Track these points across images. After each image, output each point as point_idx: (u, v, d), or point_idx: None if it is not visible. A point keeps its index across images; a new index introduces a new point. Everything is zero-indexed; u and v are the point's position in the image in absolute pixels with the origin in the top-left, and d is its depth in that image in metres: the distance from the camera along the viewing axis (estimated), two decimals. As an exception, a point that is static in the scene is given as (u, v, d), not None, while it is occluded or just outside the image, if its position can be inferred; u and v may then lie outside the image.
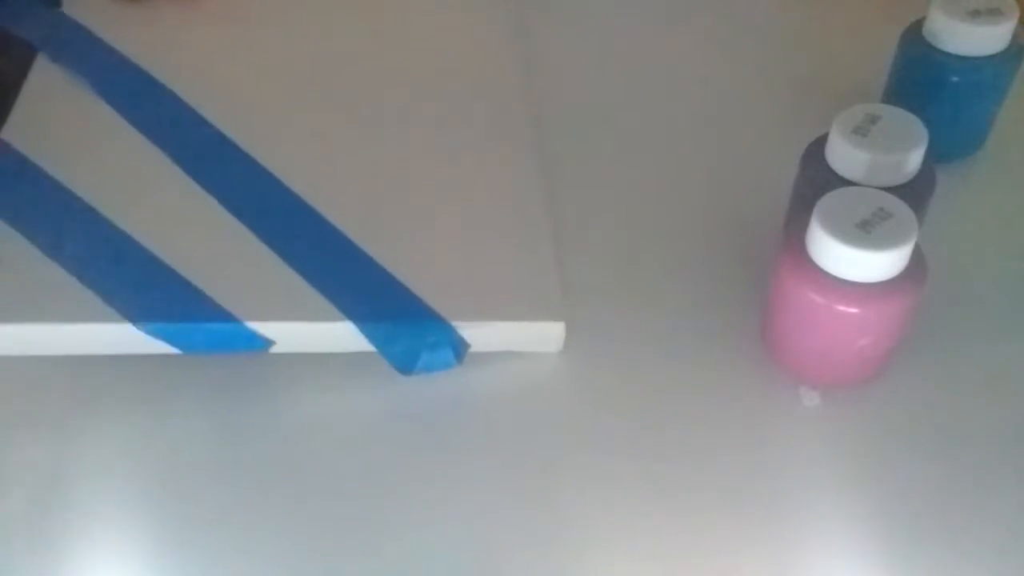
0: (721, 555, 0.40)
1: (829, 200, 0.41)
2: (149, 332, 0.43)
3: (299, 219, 0.48)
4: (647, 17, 0.65)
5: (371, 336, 0.44)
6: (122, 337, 0.43)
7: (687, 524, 0.41)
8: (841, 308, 0.41)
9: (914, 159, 0.45)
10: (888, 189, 0.43)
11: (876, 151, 0.44)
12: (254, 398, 0.45)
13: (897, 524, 0.41)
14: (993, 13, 0.49)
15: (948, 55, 0.50)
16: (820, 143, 0.47)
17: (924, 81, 0.52)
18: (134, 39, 0.57)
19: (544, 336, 0.46)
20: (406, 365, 0.45)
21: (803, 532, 0.41)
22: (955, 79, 0.51)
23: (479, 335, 0.45)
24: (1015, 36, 0.50)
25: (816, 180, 0.45)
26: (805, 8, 0.65)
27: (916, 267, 0.41)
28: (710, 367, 0.46)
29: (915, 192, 0.44)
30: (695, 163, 0.56)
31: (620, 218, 0.53)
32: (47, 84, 0.55)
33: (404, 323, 0.45)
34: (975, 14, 0.49)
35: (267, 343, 0.44)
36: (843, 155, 0.45)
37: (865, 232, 0.40)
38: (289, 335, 0.44)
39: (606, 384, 0.46)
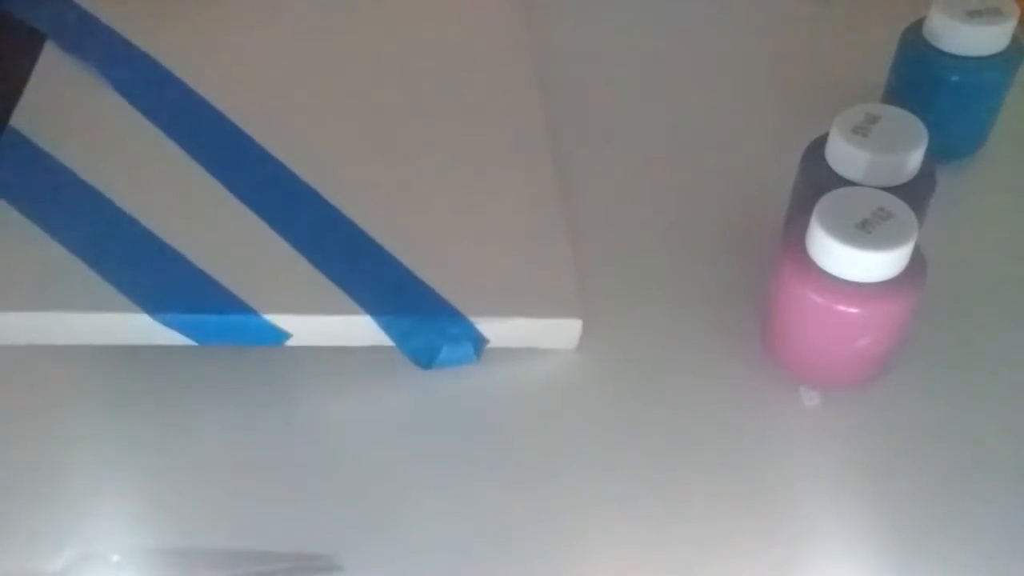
0: (721, 554, 0.40)
1: (829, 200, 0.41)
2: (164, 322, 0.43)
3: (317, 213, 0.48)
4: (647, 18, 0.65)
5: (389, 330, 0.44)
6: (138, 327, 0.43)
7: (687, 522, 0.41)
8: (841, 308, 0.41)
9: (914, 159, 0.45)
10: (888, 189, 0.43)
11: (876, 151, 0.44)
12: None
13: (897, 524, 0.41)
14: (993, 13, 0.49)
15: (948, 55, 0.50)
16: (820, 143, 0.47)
17: (924, 81, 0.52)
18: (146, 30, 0.57)
19: (561, 332, 0.46)
20: (425, 359, 0.45)
21: (803, 532, 0.41)
22: (955, 79, 0.51)
23: (497, 330, 0.45)
24: (1015, 36, 0.50)
25: (816, 180, 0.45)
26: (805, 8, 0.65)
27: (916, 267, 0.41)
28: (710, 367, 0.46)
29: (915, 192, 0.44)
30: (695, 163, 0.56)
31: (619, 218, 0.53)
32: (56, 72, 0.54)
33: (423, 317, 0.44)
34: (975, 14, 0.49)
35: (284, 336, 0.44)
36: (843, 155, 0.45)
37: (865, 232, 0.40)
38: (306, 328, 0.44)
39: (605, 384, 0.46)
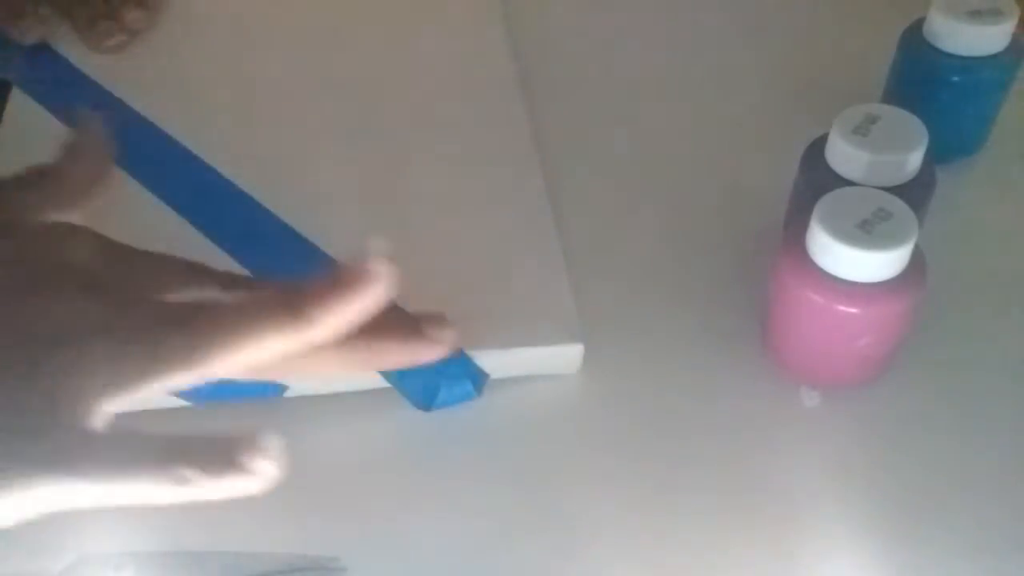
0: (721, 554, 0.40)
1: (829, 200, 0.41)
2: None
3: (301, 255, 0.47)
4: (646, 18, 0.65)
5: (386, 373, 0.43)
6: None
7: (686, 523, 0.41)
8: (841, 308, 0.41)
9: (914, 159, 0.45)
10: (888, 189, 0.43)
11: (876, 151, 0.44)
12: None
13: (897, 523, 0.41)
14: (993, 13, 0.49)
15: (948, 55, 0.50)
16: (820, 143, 0.47)
17: (924, 81, 0.52)
18: (112, 72, 0.57)
19: (563, 359, 0.46)
20: (425, 401, 0.44)
21: (803, 532, 0.41)
22: (955, 79, 0.51)
23: (498, 363, 0.45)
24: (1015, 36, 0.50)
25: (816, 180, 0.45)
26: (805, 8, 0.65)
27: (916, 267, 0.41)
28: (710, 367, 0.46)
29: (915, 192, 0.44)
30: (695, 163, 0.56)
31: (619, 219, 0.53)
32: (25, 119, 0.54)
33: None
34: (975, 14, 0.49)
35: (281, 388, 0.44)
36: (843, 155, 0.45)
37: (865, 232, 0.40)
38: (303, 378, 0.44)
39: (605, 384, 0.46)
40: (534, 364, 0.46)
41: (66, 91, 0.56)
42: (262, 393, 0.43)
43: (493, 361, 0.45)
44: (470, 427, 0.45)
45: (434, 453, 0.44)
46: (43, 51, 0.58)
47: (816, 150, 0.47)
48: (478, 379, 0.45)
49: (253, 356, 0.33)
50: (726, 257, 0.51)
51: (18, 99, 0.56)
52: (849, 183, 0.44)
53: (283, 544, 0.40)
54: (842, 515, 0.42)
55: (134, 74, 0.57)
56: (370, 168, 0.53)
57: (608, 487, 0.42)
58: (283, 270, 0.47)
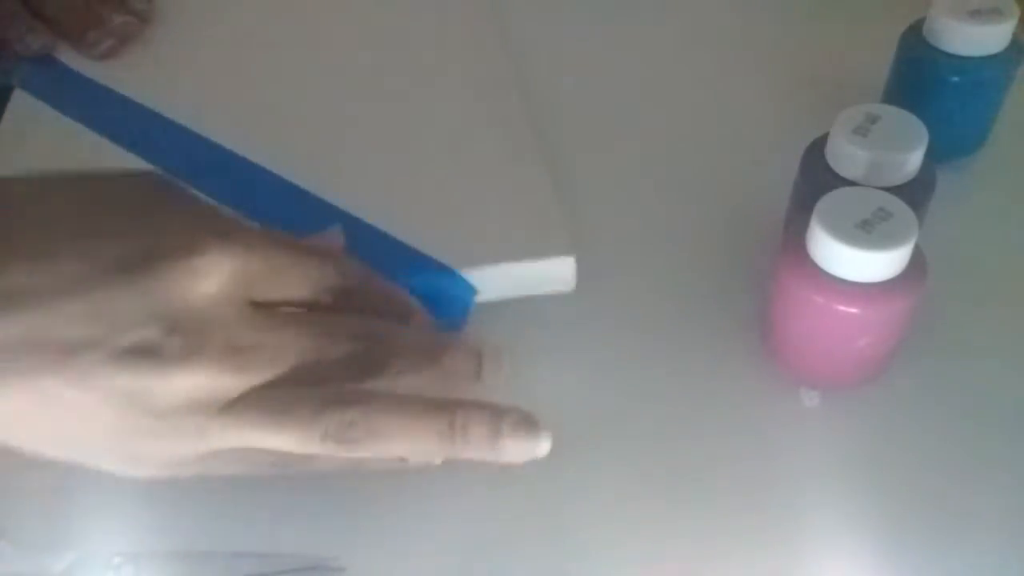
0: (721, 554, 0.40)
1: (829, 200, 0.41)
2: None
3: (287, 194, 0.49)
4: (645, 17, 0.65)
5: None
6: None
7: (686, 523, 0.41)
8: (841, 308, 0.41)
9: (914, 159, 0.45)
10: (888, 189, 0.43)
11: (876, 151, 0.44)
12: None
13: (897, 524, 0.41)
14: (993, 13, 0.49)
15: (948, 55, 0.50)
16: (820, 143, 0.47)
17: (924, 81, 0.52)
18: (114, 74, 0.58)
19: (555, 275, 0.45)
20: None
21: (803, 532, 0.41)
22: (955, 79, 0.51)
23: (487, 280, 0.44)
24: (1015, 36, 0.50)
25: (816, 180, 0.45)
26: (805, 8, 0.65)
27: (916, 267, 0.41)
28: (710, 367, 0.46)
29: (915, 192, 0.44)
30: (695, 163, 0.56)
31: (619, 219, 0.53)
32: (27, 117, 0.55)
33: (407, 277, 0.43)
34: (975, 14, 0.49)
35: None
36: (843, 155, 0.45)
37: (865, 232, 0.40)
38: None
39: (605, 384, 0.46)
40: (525, 283, 0.45)
41: (70, 94, 0.57)
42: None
43: (482, 278, 0.44)
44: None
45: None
46: (46, 59, 0.59)
47: (816, 150, 0.47)
48: (468, 297, 0.44)
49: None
50: (726, 257, 0.51)
51: (19, 98, 0.56)
52: (849, 183, 0.44)
53: (283, 544, 0.40)
54: (842, 515, 0.42)
55: (134, 73, 0.58)
56: (347, 115, 0.55)
57: (608, 489, 0.42)
58: (266, 204, 0.49)
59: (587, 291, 0.49)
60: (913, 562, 0.40)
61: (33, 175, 0.36)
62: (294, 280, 0.37)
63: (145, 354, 0.33)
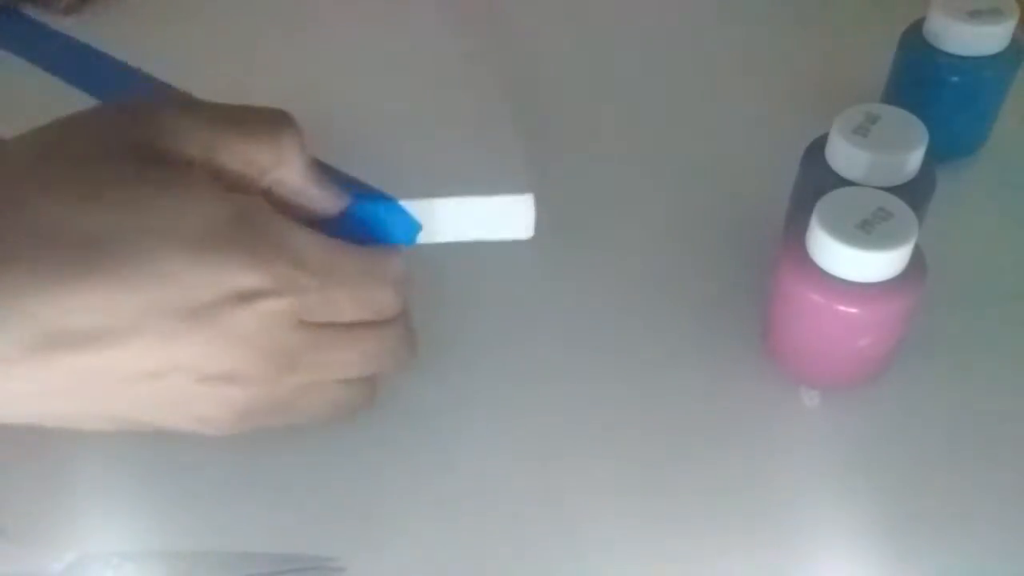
0: (720, 554, 0.40)
1: (829, 200, 0.41)
2: None
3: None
4: (645, 17, 0.65)
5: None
6: None
7: (685, 524, 0.41)
8: (841, 308, 0.41)
9: (914, 159, 0.45)
10: (888, 189, 0.43)
11: (876, 151, 0.44)
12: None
13: (897, 524, 0.41)
14: (993, 13, 0.49)
15: (948, 55, 0.50)
16: (820, 143, 0.47)
17: (924, 81, 0.52)
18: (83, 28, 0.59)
19: (512, 215, 0.41)
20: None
21: (802, 532, 0.41)
22: (955, 79, 0.51)
23: (435, 217, 0.41)
24: (1015, 36, 0.50)
25: (816, 180, 0.45)
26: (805, 8, 0.65)
27: (916, 267, 0.41)
28: (710, 367, 0.46)
29: (915, 192, 0.44)
30: (695, 163, 0.56)
31: (619, 219, 0.53)
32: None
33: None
34: (975, 14, 0.49)
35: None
36: (843, 155, 0.45)
37: (865, 232, 0.40)
38: None
39: (605, 384, 0.46)
40: (479, 223, 0.42)
41: (37, 43, 0.59)
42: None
43: (429, 211, 0.41)
44: (471, 427, 0.45)
45: (434, 454, 0.44)
46: (8, 13, 0.60)
47: (816, 150, 0.47)
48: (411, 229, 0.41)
49: None
50: (726, 257, 0.51)
51: None
52: (849, 183, 0.44)
53: (283, 544, 0.40)
54: (842, 515, 0.42)
55: (102, 28, 0.59)
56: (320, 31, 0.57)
57: (608, 489, 0.42)
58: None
59: (587, 291, 0.49)
60: (913, 562, 0.40)
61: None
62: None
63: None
